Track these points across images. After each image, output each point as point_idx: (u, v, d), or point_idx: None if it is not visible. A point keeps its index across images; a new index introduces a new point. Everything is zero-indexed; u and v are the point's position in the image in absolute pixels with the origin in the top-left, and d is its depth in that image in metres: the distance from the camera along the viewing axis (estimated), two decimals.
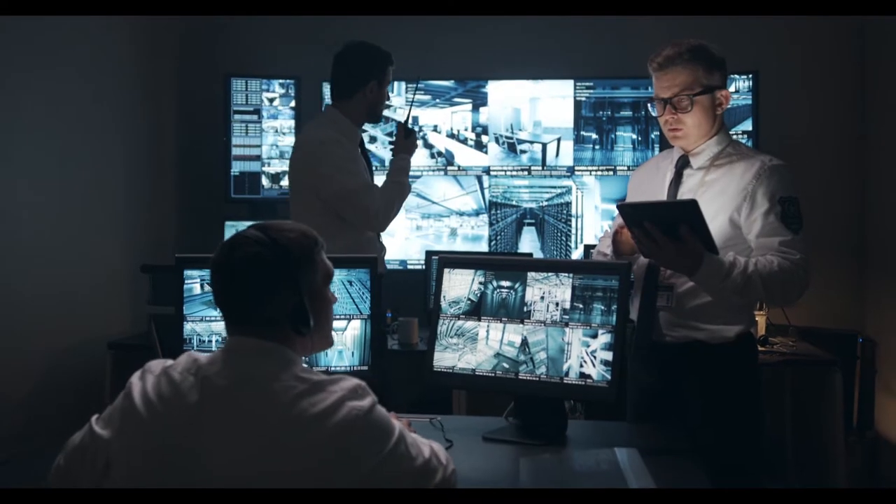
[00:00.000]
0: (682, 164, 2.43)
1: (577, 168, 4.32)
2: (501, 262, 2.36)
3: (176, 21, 4.49)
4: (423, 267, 4.18)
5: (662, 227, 2.11)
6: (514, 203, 4.36)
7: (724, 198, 2.30)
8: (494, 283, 2.28)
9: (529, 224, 4.37)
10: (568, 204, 4.33)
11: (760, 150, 2.49)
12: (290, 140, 4.44)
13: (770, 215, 2.24)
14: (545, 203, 4.35)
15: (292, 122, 4.45)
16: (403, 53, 4.47)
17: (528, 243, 4.34)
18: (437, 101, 4.39)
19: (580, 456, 1.96)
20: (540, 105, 4.35)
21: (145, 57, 4.28)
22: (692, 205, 2.08)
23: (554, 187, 4.34)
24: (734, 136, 3.91)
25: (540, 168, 4.34)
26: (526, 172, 4.36)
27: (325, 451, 1.45)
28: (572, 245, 4.30)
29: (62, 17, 3.43)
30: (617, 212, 2.30)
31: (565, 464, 1.92)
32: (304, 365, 1.58)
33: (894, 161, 4.03)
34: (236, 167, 4.42)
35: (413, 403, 3.12)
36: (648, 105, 2.45)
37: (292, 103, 4.46)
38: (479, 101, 4.37)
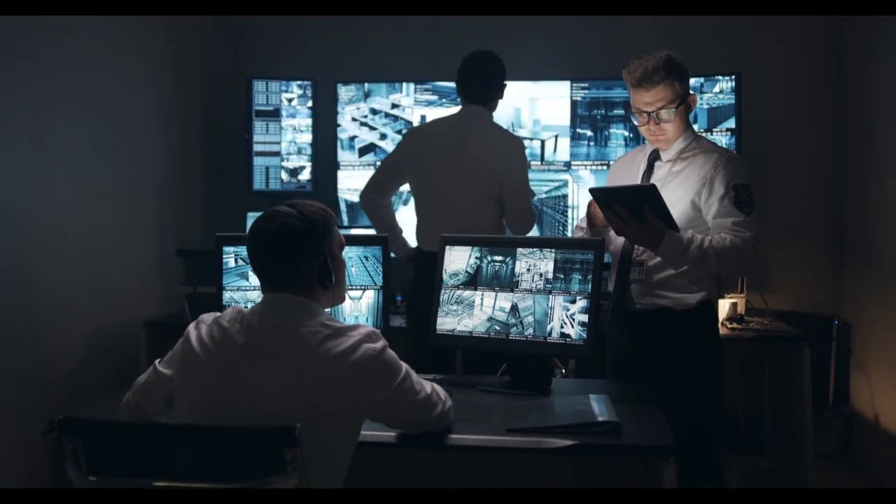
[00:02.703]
0: (654, 157, 2.79)
1: (573, 163, 4.56)
2: (494, 240, 2.72)
3: (202, 26, 4.76)
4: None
5: (629, 209, 2.46)
6: None
7: (688, 185, 2.66)
8: (488, 258, 2.65)
9: None
10: (565, 196, 4.58)
11: (721, 147, 2.84)
12: (307, 137, 4.76)
13: (725, 199, 2.59)
14: (544, 195, 4.58)
15: (309, 121, 4.74)
16: (412, 55, 4.83)
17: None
18: (443, 100, 4.63)
19: (560, 401, 2.32)
20: (539, 104, 4.59)
21: (176, 61, 4.55)
22: (652, 189, 2.44)
23: (552, 181, 4.58)
24: (719, 134, 4.32)
25: (539, 163, 4.56)
26: None
27: (344, 383, 1.79)
28: (569, 234, 4.54)
29: (99, 18, 3.64)
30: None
31: (546, 406, 2.28)
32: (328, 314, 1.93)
33: (870, 153, 4.28)
34: (257, 162, 4.70)
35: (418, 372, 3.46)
36: (632, 117, 2.78)
37: (309, 103, 4.74)
38: None
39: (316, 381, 1.78)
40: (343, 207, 4.72)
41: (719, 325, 3.24)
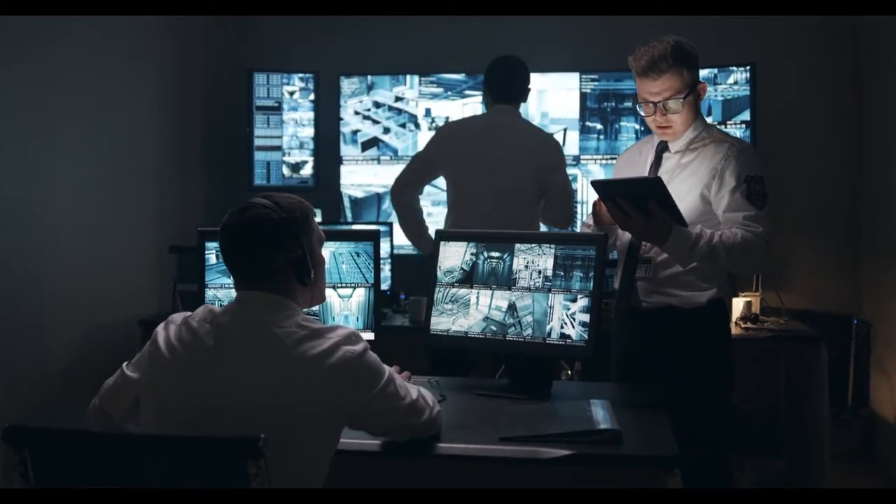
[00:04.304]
0: (662, 148, 2.64)
1: (582, 157, 4.49)
2: (491, 235, 2.58)
3: (203, 21, 4.68)
4: None
5: (633, 202, 2.32)
6: None
7: (697, 177, 2.52)
8: (485, 254, 2.51)
9: None
10: (574, 191, 4.50)
11: (732, 136, 2.69)
12: (309, 131, 4.66)
13: (736, 192, 2.45)
14: None
15: (311, 115, 4.67)
16: (418, 48, 4.73)
17: None
18: (449, 93, 4.57)
19: (558, 406, 2.18)
20: (547, 97, 4.52)
21: (175, 55, 4.49)
22: (657, 181, 2.30)
23: None
24: (733, 126, 4.18)
25: None
26: None
27: (321, 387, 1.67)
28: (577, 230, 4.47)
29: (101, 18, 3.62)
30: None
31: (545, 412, 2.14)
32: (306, 315, 1.80)
33: (888, 146, 4.17)
34: (258, 157, 4.63)
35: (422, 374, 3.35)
36: (637, 106, 2.63)
37: (311, 96, 4.67)
38: None
39: (291, 385, 1.66)
40: (346, 203, 4.64)
41: (732, 324, 3.11)
